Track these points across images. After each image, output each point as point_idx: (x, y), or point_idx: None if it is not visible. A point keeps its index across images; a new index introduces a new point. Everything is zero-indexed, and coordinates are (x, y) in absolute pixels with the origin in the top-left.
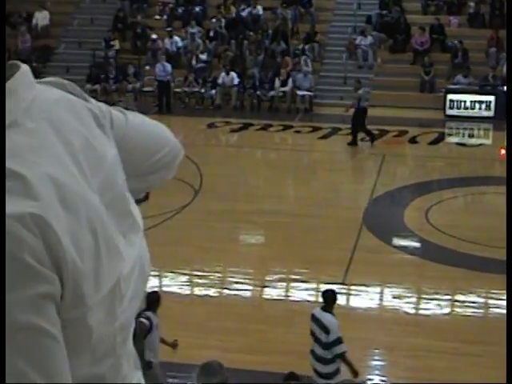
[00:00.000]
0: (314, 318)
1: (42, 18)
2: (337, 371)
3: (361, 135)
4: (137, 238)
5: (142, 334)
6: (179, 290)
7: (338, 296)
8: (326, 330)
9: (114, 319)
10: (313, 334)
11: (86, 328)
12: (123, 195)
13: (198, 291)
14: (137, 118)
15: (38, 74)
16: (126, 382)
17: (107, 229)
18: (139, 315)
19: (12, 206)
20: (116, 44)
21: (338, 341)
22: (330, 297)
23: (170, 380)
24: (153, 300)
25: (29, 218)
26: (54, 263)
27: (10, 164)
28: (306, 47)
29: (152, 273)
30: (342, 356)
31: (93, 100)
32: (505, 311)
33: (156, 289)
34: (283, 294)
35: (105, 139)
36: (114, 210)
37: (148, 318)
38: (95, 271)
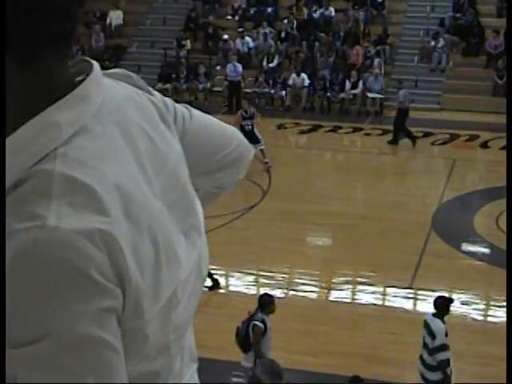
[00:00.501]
0: (425, 324)
1: (115, 17)
2: (445, 380)
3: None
4: (199, 238)
5: (257, 337)
6: (245, 290)
7: (404, 300)
8: (433, 336)
9: (169, 323)
10: (423, 339)
11: (143, 337)
12: (187, 193)
13: (263, 291)
14: (201, 115)
15: None
16: (178, 377)
17: (168, 236)
18: (254, 318)
19: (80, 221)
20: (187, 44)
21: (442, 347)
22: (442, 303)
23: (234, 379)
24: (266, 303)
25: (97, 234)
26: (119, 278)
27: (79, 175)
28: (377, 49)
29: (218, 272)
30: (444, 363)
31: (157, 94)
32: None
33: (221, 288)
34: (349, 296)
35: (169, 135)
36: (177, 209)
37: (263, 321)
38: (155, 283)
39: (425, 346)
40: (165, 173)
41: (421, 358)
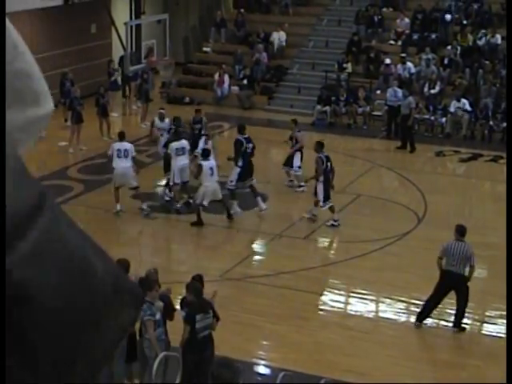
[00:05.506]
0: None
1: (278, 38)
2: None
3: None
4: None
5: None
6: (395, 317)
7: None
8: None
9: None
10: None
11: None
12: None
13: (414, 319)
14: None
15: (270, 93)
16: None
17: None
18: None
19: None
20: (348, 67)
21: None
22: None
23: None
24: None
25: None
26: None
27: None
28: None
29: (369, 297)
30: None
31: None
32: None
33: (371, 314)
34: (503, 331)
35: None
36: None
37: None
38: None
39: None
40: None
41: None
